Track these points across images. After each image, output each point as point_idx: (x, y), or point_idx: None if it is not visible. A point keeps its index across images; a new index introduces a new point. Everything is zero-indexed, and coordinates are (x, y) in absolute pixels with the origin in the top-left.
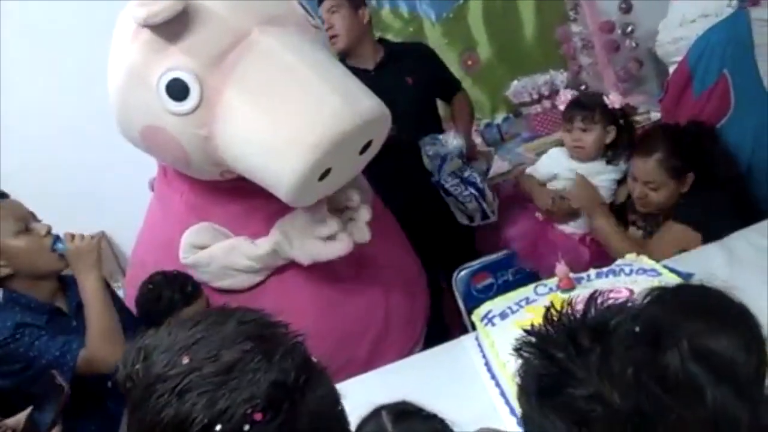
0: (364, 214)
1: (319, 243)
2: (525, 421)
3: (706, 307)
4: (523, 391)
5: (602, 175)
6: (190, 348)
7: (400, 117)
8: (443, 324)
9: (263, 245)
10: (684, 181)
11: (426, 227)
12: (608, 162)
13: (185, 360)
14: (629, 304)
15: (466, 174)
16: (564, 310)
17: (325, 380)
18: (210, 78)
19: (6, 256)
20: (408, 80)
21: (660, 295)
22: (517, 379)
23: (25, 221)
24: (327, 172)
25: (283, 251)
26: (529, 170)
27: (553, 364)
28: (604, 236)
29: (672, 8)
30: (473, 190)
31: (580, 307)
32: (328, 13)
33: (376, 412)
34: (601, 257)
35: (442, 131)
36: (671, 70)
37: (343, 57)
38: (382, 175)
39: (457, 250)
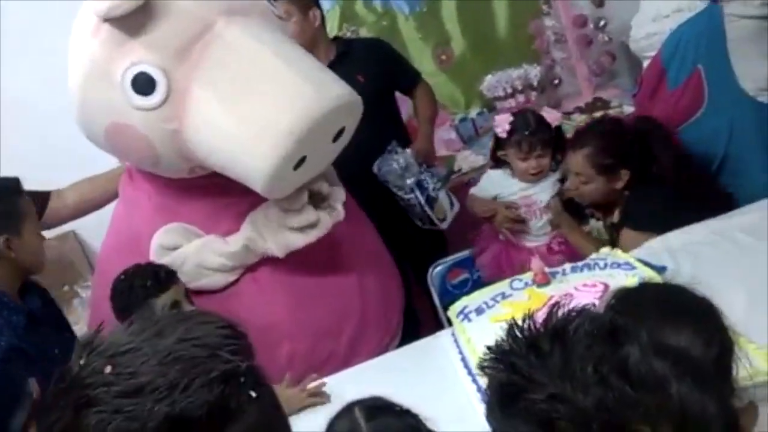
0: (339, 193)
1: (291, 233)
2: None
3: (666, 304)
4: (489, 406)
5: (546, 181)
6: (120, 357)
7: None
8: (415, 318)
9: (234, 241)
10: (616, 178)
11: (392, 222)
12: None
13: (107, 369)
14: (590, 308)
15: (421, 177)
16: (525, 323)
17: (254, 412)
18: (176, 71)
19: (23, 246)
20: (359, 78)
21: (622, 297)
22: (485, 397)
23: (38, 222)
24: (302, 160)
25: (255, 246)
26: (472, 191)
27: (514, 373)
28: (583, 250)
29: (644, 3)
30: (419, 195)
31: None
32: (284, 20)
33: (349, 408)
34: (573, 257)
35: (401, 127)
36: (645, 65)
37: None
38: (347, 170)
39: (426, 245)
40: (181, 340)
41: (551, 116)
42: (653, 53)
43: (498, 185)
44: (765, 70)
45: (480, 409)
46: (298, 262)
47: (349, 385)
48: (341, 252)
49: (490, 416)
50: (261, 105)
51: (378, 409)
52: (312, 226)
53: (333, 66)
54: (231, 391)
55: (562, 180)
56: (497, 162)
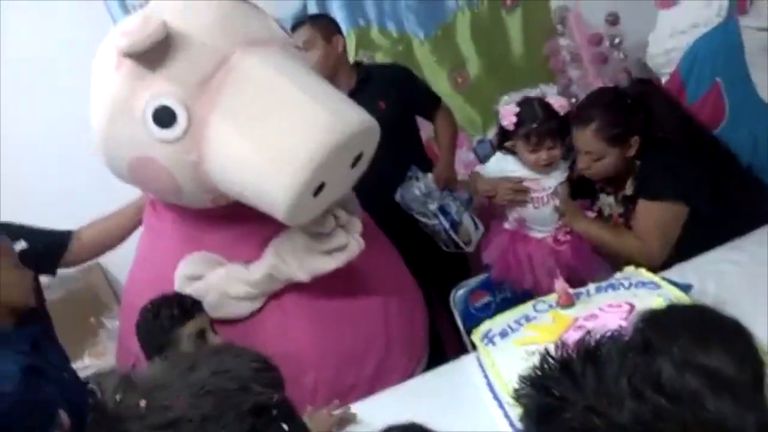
0: (356, 225)
1: (319, 257)
2: None
3: (695, 325)
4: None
5: (549, 178)
6: (152, 391)
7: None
8: (439, 341)
9: (258, 269)
10: (627, 146)
11: (415, 245)
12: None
13: (142, 403)
14: (621, 334)
15: (443, 202)
16: (558, 351)
17: None
18: (196, 103)
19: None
20: (381, 104)
21: (650, 318)
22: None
23: (17, 258)
24: (321, 187)
25: (279, 273)
26: (477, 168)
27: (548, 395)
28: (592, 239)
29: (661, 20)
30: (443, 220)
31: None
32: (302, 50)
33: (407, 429)
34: (581, 248)
35: (422, 151)
36: (663, 81)
37: None
38: (369, 195)
39: (448, 267)
40: (213, 373)
41: (558, 103)
42: (671, 69)
43: (506, 170)
44: None
45: None
46: (321, 289)
47: (375, 410)
48: (364, 277)
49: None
50: (279, 133)
51: None
52: (340, 249)
53: (354, 92)
54: (262, 424)
55: (572, 165)
56: (503, 151)
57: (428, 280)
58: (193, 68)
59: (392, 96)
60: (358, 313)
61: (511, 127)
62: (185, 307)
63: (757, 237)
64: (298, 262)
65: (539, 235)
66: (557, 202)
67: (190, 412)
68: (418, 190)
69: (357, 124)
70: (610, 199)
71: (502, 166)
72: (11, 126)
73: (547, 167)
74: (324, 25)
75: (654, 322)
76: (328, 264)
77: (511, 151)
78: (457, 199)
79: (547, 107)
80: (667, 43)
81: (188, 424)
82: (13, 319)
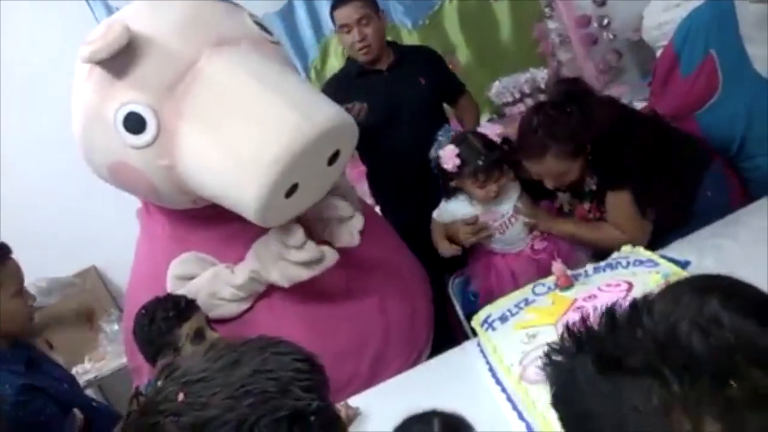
0: (357, 221)
1: (294, 266)
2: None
3: (723, 286)
4: (564, 393)
5: (503, 203)
6: (192, 385)
7: (415, 115)
8: (450, 329)
9: (240, 273)
10: (586, 149)
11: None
12: None
13: (180, 396)
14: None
15: None
16: (595, 316)
17: None
18: (164, 107)
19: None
20: (421, 80)
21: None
22: (552, 387)
23: (21, 284)
24: (294, 188)
25: (260, 276)
26: (434, 216)
27: (605, 349)
28: (574, 238)
29: None
30: None
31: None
32: (359, 25)
33: (428, 416)
34: (559, 251)
35: None
36: (659, 54)
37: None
38: (384, 182)
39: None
40: (255, 372)
41: (492, 131)
42: (666, 42)
43: (458, 213)
44: None
45: (511, 417)
46: (314, 285)
47: (378, 399)
48: (361, 273)
49: (565, 403)
50: (246, 136)
51: (457, 428)
52: (316, 261)
53: (395, 67)
54: (299, 430)
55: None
56: (450, 192)
57: (444, 268)
58: (160, 73)
59: (430, 73)
60: (352, 308)
61: (455, 169)
62: (180, 307)
63: (752, 210)
64: (276, 268)
65: (516, 250)
66: (523, 218)
67: (226, 413)
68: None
69: (327, 123)
70: (566, 196)
71: (453, 210)
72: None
73: (497, 197)
74: (370, 1)
75: (678, 284)
76: (303, 273)
77: (458, 192)
78: None
79: (484, 140)
80: (661, 17)
81: (223, 427)
82: (8, 341)
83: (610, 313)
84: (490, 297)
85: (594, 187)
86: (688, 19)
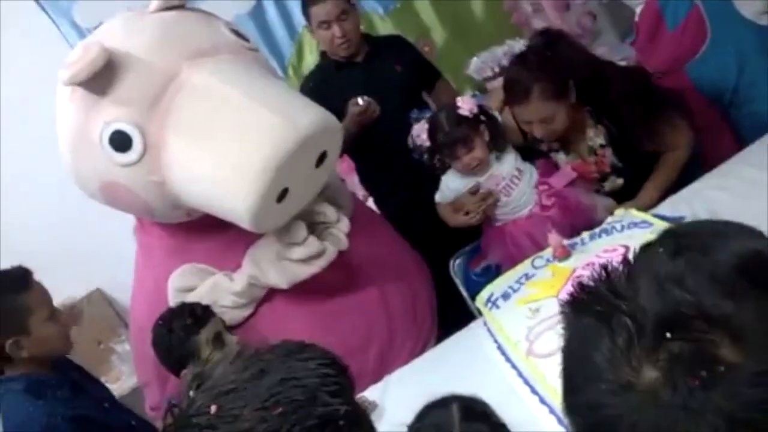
0: (344, 225)
1: (294, 264)
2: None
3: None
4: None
5: (503, 165)
6: (222, 397)
7: (396, 103)
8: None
9: (238, 280)
10: (569, 92)
11: (430, 216)
12: (497, 157)
13: (213, 409)
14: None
15: None
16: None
17: None
18: (149, 124)
19: (35, 341)
20: (397, 68)
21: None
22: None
23: (51, 306)
24: (285, 192)
25: (259, 281)
26: (437, 198)
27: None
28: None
29: None
30: None
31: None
32: (339, 21)
33: (447, 401)
34: (567, 203)
35: None
36: (638, 11)
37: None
38: (373, 172)
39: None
40: (282, 380)
41: (467, 105)
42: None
43: (459, 187)
44: None
45: (523, 392)
46: (314, 285)
47: (391, 390)
48: (359, 267)
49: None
50: (232, 145)
51: (476, 413)
52: (317, 256)
53: (371, 57)
54: None
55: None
56: (441, 167)
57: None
58: (142, 89)
59: (404, 61)
60: (354, 305)
61: (427, 143)
62: (196, 314)
63: (740, 159)
64: (275, 270)
65: (526, 212)
66: (524, 178)
67: (257, 425)
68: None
69: (311, 126)
70: (561, 155)
71: (452, 185)
72: None
73: (478, 168)
74: None
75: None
76: (305, 271)
77: (446, 165)
78: None
79: (452, 115)
80: None
81: None
82: (47, 365)
83: (603, 267)
84: (515, 262)
85: (602, 142)
86: None
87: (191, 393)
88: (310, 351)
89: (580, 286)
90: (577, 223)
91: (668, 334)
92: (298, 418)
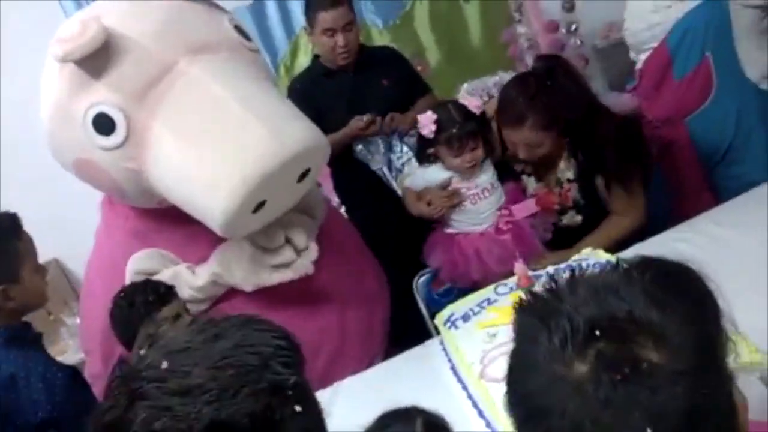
0: (312, 253)
1: (265, 270)
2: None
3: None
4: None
5: (482, 174)
6: (175, 354)
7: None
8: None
9: (201, 276)
10: (560, 125)
11: (399, 232)
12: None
13: (164, 365)
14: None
15: (392, 141)
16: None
17: (296, 427)
18: (136, 112)
19: (23, 291)
20: (383, 82)
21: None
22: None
23: (37, 256)
24: (261, 204)
25: (222, 280)
26: (406, 183)
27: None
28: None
29: None
30: (383, 157)
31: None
32: (344, 31)
33: (410, 415)
34: (522, 234)
35: None
36: (643, 57)
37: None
38: (347, 183)
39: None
40: (237, 345)
41: (473, 103)
42: (655, 44)
43: (433, 179)
44: (766, 59)
45: (471, 415)
46: (271, 293)
47: (338, 397)
48: (319, 283)
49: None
50: (217, 151)
51: (439, 428)
52: (287, 265)
53: (360, 68)
54: (277, 403)
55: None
56: (426, 159)
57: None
58: (135, 76)
59: (394, 75)
60: (309, 313)
61: (431, 135)
62: (160, 292)
63: (712, 215)
64: (243, 272)
65: (480, 229)
66: (494, 195)
67: (208, 382)
68: (369, 154)
69: (297, 146)
70: (532, 180)
71: (428, 177)
72: None
73: (472, 168)
74: (352, 6)
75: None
76: (272, 278)
77: (433, 159)
78: (406, 144)
79: (463, 109)
80: (651, 18)
81: (204, 395)
82: (19, 319)
83: (550, 276)
84: (455, 270)
85: (570, 176)
86: (684, 20)
87: (142, 351)
88: (265, 324)
89: (529, 292)
90: (523, 254)
91: (598, 333)
92: (248, 380)
